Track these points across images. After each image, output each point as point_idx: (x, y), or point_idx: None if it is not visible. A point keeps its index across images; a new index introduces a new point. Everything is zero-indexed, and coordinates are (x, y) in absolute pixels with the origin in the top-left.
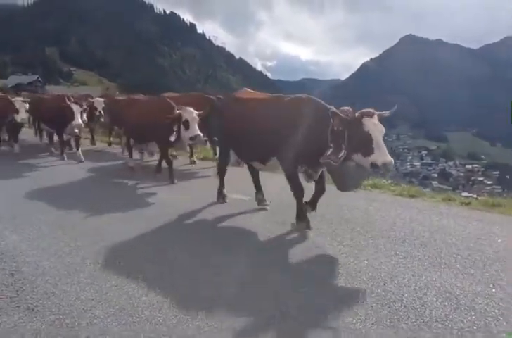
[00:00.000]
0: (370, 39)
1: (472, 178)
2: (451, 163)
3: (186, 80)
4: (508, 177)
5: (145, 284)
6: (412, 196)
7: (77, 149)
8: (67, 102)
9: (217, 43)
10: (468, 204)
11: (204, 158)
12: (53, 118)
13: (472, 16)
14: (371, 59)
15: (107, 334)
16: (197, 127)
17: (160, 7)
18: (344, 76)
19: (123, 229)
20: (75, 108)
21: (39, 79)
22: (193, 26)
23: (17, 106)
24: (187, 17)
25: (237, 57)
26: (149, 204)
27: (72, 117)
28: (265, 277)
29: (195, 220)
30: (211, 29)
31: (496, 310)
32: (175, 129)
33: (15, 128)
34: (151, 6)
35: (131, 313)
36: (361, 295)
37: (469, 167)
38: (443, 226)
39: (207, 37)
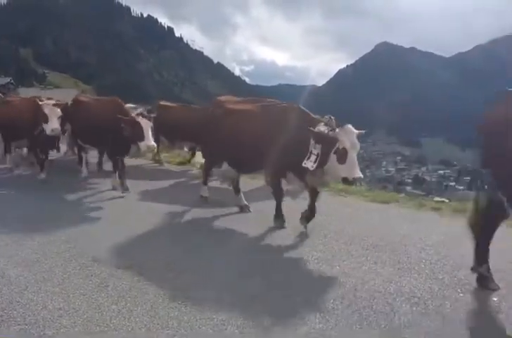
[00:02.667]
0: (346, 45)
1: (445, 183)
2: (424, 169)
3: (164, 84)
4: (478, 182)
5: (114, 293)
6: (385, 202)
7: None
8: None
9: (195, 47)
10: (438, 210)
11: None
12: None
13: (445, 25)
14: (347, 65)
15: None
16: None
17: (136, 10)
18: (320, 82)
19: (93, 237)
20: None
21: (12, 81)
22: (170, 29)
23: (47, 112)
24: (163, 20)
25: (215, 61)
26: (118, 210)
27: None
28: (234, 284)
29: (168, 224)
30: (187, 32)
31: (464, 315)
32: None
33: (44, 143)
34: (128, 9)
35: (99, 322)
36: (332, 300)
37: (441, 172)
38: (414, 231)
39: (185, 41)
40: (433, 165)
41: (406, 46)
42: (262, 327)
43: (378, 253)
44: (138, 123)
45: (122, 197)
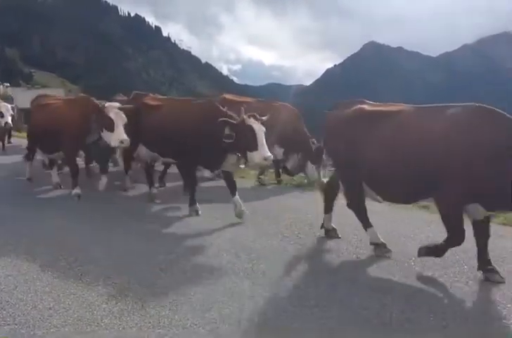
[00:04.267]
0: (333, 45)
1: None
2: None
3: (151, 83)
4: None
5: (105, 292)
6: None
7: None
8: None
9: (183, 46)
10: (426, 208)
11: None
12: None
13: (431, 25)
14: (335, 65)
15: None
16: None
17: (124, 9)
18: (308, 81)
19: (83, 237)
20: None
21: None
22: (158, 29)
23: (113, 117)
24: (149, 19)
25: (203, 61)
26: (109, 211)
27: None
28: (224, 281)
29: (156, 225)
30: (174, 31)
31: (455, 311)
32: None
33: (103, 152)
34: (115, 8)
35: (89, 322)
36: (323, 298)
37: None
38: (403, 229)
39: (173, 41)
40: None
41: (394, 45)
42: (254, 324)
43: (368, 250)
44: (251, 127)
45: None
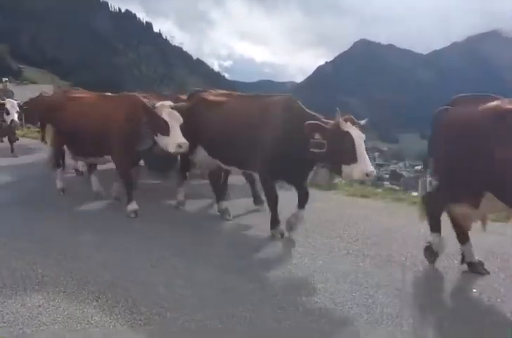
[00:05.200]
0: (324, 42)
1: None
2: (401, 164)
3: (143, 80)
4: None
5: (95, 289)
6: (364, 196)
7: None
8: None
9: (174, 43)
10: (416, 203)
11: None
12: None
13: (422, 23)
14: (326, 62)
15: None
16: None
17: (114, 5)
18: (299, 78)
19: (73, 232)
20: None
21: None
22: (149, 25)
23: (168, 119)
24: (140, 15)
25: (194, 57)
26: (97, 206)
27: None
28: (216, 280)
29: (146, 220)
30: (164, 27)
31: (445, 306)
32: None
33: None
34: (106, 4)
35: (79, 320)
36: (314, 294)
37: (418, 168)
38: (394, 225)
39: (164, 37)
40: (410, 161)
41: (384, 43)
42: (245, 321)
43: (360, 246)
44: (348, 135)
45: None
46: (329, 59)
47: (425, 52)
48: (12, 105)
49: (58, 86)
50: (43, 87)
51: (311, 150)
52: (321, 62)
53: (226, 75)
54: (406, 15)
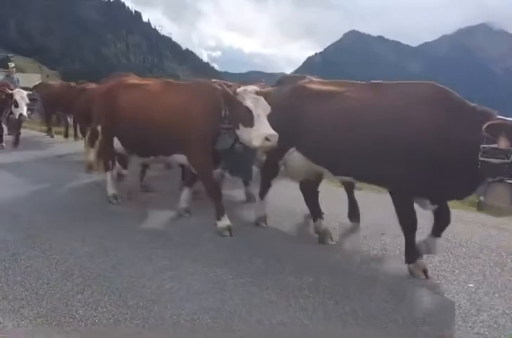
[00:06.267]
0: (314, 33)
1: None
2: None
3: (131, 69)
4: None
5: (80, 281)
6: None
7: None
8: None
9: (163, 32)
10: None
11: None
12: None
13: (411, 15)
14: (316, 53)
15: (35, 337)
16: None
17: None
18: (288, 70)
19: (57, 222)
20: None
21: None
22: (138, 14)
23: (250, 105)
24: (129, 4)
25: (183, 47)
26: (85, 196)
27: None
28: (206, 272)
29: (135, 212)
30: (154, 17)
31: (440, 301)
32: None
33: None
34: None
35: (64, 313)
36: (307, 288)
37: None
38: (388, 218)
39: (153, 26)
40: None
41: (374, 34)
42: (236, 316)
43: (353, 240)
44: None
45: None
46: (318, 50)
47: (414, 44)
48: (21, 96)
49: (46, 75)
50: (31, 76)
51: (483, 159)
52: (310, 53)
53: (215, 66)
54: (396, 7)
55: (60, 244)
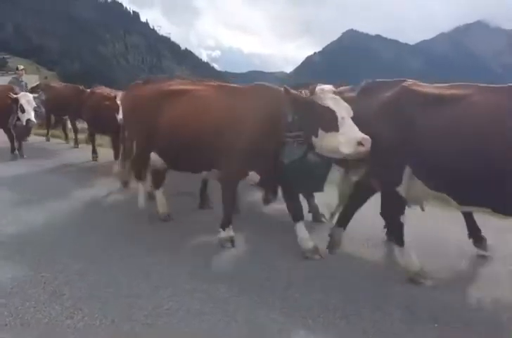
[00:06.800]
0: (313, 32)
1: None
2: None
3: (130, 70)
4: None
5: (70, 304)
6: None
7: None
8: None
9: (161, 33)
10: None
11: None
12: None
13: (409, 13)
14: (315, 52)
15: None
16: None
17: None
18: (288, 69)
19: (47, 236)
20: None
21: None
22: (136, 14)
23: (332, 105)
24: (127, 5)
25: (182, 47)
26: (77, 208)
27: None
28: (208, 290)
29: (127, 218)
30: (151, 17)
31: (428, 297)
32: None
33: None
34: None
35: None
36: (302, 287)
37: None
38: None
39: (151, 27)
40: None
41: (372, 33)
42: (227, 315)
43: (359, 249)
44: None
45: None
46: (316, 50)
47: (412, 42)
48: (28, 100)
49: (44, 77)
50: (29, 77)
51: None
52: (309, 52)
53: (215, 66)
54: (393, 6)
55: (49, 262)
